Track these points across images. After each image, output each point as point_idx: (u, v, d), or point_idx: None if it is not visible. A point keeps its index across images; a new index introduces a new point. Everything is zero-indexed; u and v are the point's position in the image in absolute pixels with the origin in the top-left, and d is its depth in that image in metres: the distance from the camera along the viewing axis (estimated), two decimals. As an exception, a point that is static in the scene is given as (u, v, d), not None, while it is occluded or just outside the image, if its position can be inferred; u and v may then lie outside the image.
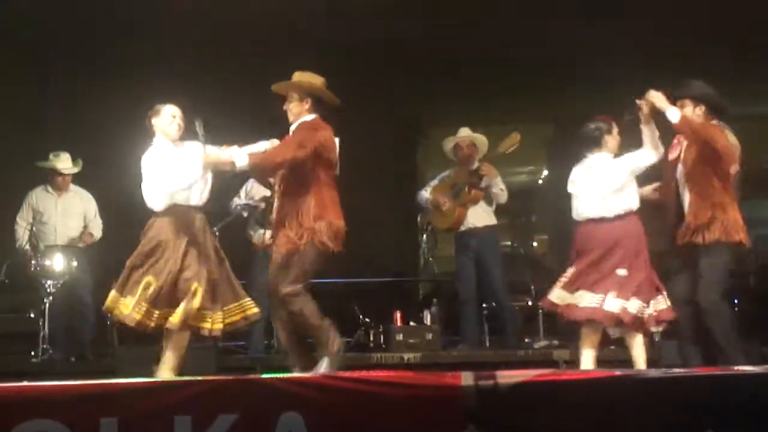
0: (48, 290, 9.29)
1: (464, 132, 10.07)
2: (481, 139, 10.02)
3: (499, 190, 9.88)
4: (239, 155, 7.08)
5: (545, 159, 16.27)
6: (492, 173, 9.77)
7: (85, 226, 9.92)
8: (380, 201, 12.65)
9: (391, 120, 13.60)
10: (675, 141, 7.56)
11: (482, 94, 12.74)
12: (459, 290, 9.95)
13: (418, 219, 13.39)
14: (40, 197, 9.87)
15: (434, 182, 10.14)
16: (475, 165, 9.82)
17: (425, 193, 10.06)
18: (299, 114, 7.33)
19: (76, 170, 9.89)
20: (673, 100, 7.38)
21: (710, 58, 10.19)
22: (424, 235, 13.32)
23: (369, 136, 12.22)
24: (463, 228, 9.86)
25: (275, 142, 7.27)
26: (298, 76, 7.38)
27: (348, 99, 11.48)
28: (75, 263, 9.48)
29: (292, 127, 7.34)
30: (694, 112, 7.37)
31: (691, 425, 5.60)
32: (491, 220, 9.93)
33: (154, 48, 10.86)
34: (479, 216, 9.86)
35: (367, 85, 12.02)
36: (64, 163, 9.82)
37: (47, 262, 9.34)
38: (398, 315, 10.05)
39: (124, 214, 10.02)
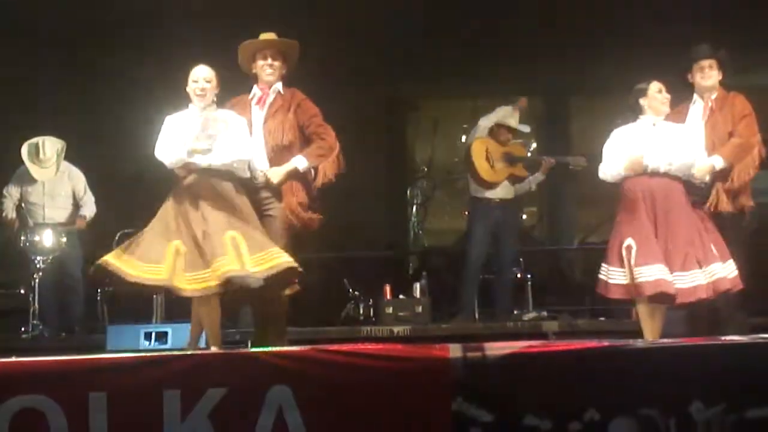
0: (38, 266, 9.29)
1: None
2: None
3: (534, 185, 10.24)
4: (299, 161, 7.15)
5: (534, 132, 16.26)
6: (545, 170, 10.09)
7: (75, 205, 9.87)
8: (370, 174, 12.64)
9: (381, 92, 13.58)
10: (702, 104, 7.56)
11: (471, 67, 12.73)
12: (470, 254, 9.89)
13: (408, 192, 13.41)
14: (28, 176, 9.77)
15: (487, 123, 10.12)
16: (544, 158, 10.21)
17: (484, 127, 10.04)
18: (279, 77, 7.33)
19: (50, 176, 9.70)
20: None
21: (704, 28, 10.17)
22: (414, 208, 13.35)
23: (358, 109, 12.21)
24: (491, 196, 9.87)
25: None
26: (273, 36, 7.37)
27: (337, 71, 11.50)
28: (64, 239, 9.47)
29: (279, 86, 7.32)
30: (718, 74, 7.48)
31: (678, 395, 5.61)
32: (511, 193, 10.00)
33: (147, 24, 10.84)
34: (508, 189, 9.96)
35: (355, 57, 12.01)
36: (42, 164, 9.62)
37: (36, 238, 9.33)
38: (388, 288, 10.06)
39: (116, 189, 10.05)
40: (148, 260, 6.60)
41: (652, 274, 6.78)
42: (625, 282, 6.90)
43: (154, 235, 6.73)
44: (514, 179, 9.94)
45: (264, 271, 6.61)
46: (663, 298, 6.85)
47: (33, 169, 9.62)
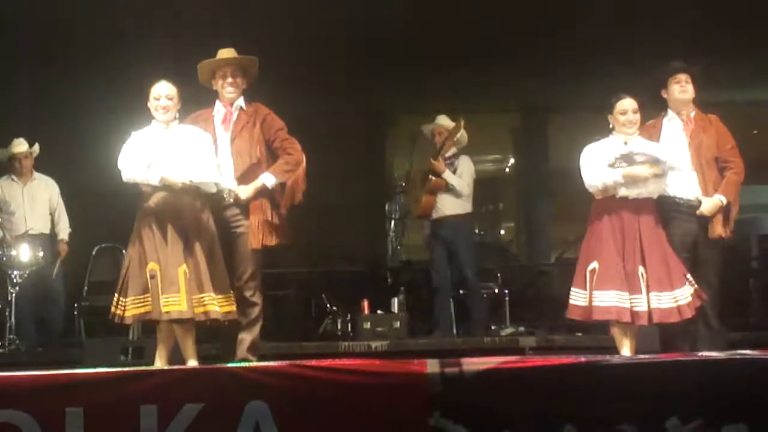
0: (14, 281, 9.24)
1: (440, 120, 10.04)
2: (448, 126, 9.94)
3: (452, 184, 9.79)
4: (267, 178, 7.11)
5: (511, 147, 16.32)
6: (440, 168, 9.75)
7: (54, 220, 9.85)
8: (348, 189, 12.66)
9: (359, 109, 13.60)
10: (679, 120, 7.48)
11: (449, 82, 12.77)
12: (433, 278, 9.96)
13: (386, 207, 13.42)
14: (6, 187, 9.78)
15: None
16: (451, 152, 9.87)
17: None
18: (240, 93, 7.30)
19: (30, 150, 9.80)
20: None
21: (680, 44, 10.25)
22: (392, 224, 13.35)
23: (337, 125, 12.24)
24: (435, 216, 9.86)
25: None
26: (232, 52, 7.35)
27: (317, 89, 11.51)
28: (41, 253, 9.41)
29: (241, 102, 7.28)
30: (693, 88, 7.44)
31: (655, 411, 5.63)
32: (463, 208, 9.89)
33: (119, 35, 10.83)
34: (449, 204, 9.83)
35: (334, 75, 12.03)
36: (19, 147, 9.75)
37: (13, 253, 9.29)
38: (366, 303, 10.06)
39: (93, 203, 10.01)
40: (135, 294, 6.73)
41: (606, 299, 6.84)
42: (584, 304, 6.94)
43: (133, 266, 6.80)
44: (440, 191, 9.82)
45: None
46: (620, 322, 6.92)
47: (10, 148, 9.80)
